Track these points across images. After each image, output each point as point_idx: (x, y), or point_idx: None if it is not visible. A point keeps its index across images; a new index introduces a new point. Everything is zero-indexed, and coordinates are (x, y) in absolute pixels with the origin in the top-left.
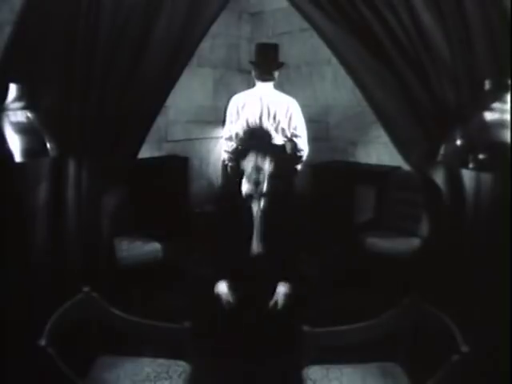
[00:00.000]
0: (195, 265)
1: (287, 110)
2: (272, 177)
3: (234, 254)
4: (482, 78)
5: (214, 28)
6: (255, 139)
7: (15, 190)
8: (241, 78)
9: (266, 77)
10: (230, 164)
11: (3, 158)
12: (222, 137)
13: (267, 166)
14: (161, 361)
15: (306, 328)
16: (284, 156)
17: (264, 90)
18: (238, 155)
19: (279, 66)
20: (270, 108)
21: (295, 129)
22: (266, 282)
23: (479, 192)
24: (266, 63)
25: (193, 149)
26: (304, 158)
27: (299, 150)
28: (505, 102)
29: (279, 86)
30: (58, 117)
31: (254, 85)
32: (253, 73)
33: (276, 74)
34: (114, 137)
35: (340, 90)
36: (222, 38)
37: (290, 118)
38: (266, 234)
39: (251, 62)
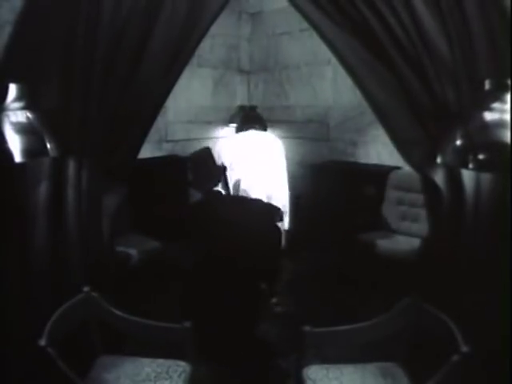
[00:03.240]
0: (195, 263)
1: None
2: None
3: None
4: (482, 78)
5: (214, 28)
6: None
7: (15, 190)
8: (241, 78)
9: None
10: None
11: (3, 157)
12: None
13: None
14: (161, 361)
15: (306, 328)
16: None
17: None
18: None
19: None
20: None
21: None
22: None
23: (479, 192)
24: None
25: (193, 149)
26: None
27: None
28: (505, 102)
29: (280, 87)
30: (58, 117)
31: (254, 85)
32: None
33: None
34: (114, 137)
35: (340, 90)
36: (222, 38)
37: None
38: None
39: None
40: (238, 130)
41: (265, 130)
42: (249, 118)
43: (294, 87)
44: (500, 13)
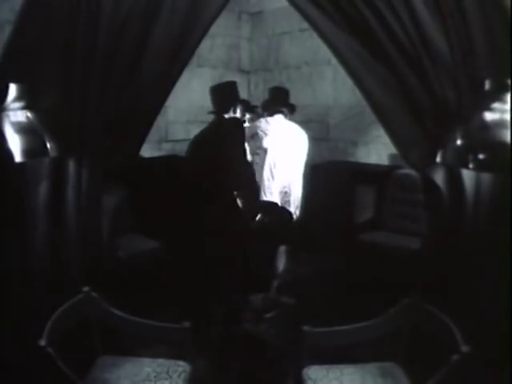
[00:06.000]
0: (195, 264)
1: None
2: None
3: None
4: (482, 78)
5: (214, 28)
6: None
7: (15, 190)
8: (241, 78)
9: None
10: None
11: (3, 157)
12: None
13: None
14: (161, 361)
15: (306, 328)
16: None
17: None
18: None
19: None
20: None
21: None
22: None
23: (479, 192)
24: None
25: None
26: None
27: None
28: (505, 102)
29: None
30: (58, 117)
31: (254, 85)
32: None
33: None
34: (114, 137)
35: (340, 90)
36: (222, 37)
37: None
38: None
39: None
40: (264, 110)
41: (292, 112)
42: (276, 101)
43: (294, 87)
44: (500, 13)
